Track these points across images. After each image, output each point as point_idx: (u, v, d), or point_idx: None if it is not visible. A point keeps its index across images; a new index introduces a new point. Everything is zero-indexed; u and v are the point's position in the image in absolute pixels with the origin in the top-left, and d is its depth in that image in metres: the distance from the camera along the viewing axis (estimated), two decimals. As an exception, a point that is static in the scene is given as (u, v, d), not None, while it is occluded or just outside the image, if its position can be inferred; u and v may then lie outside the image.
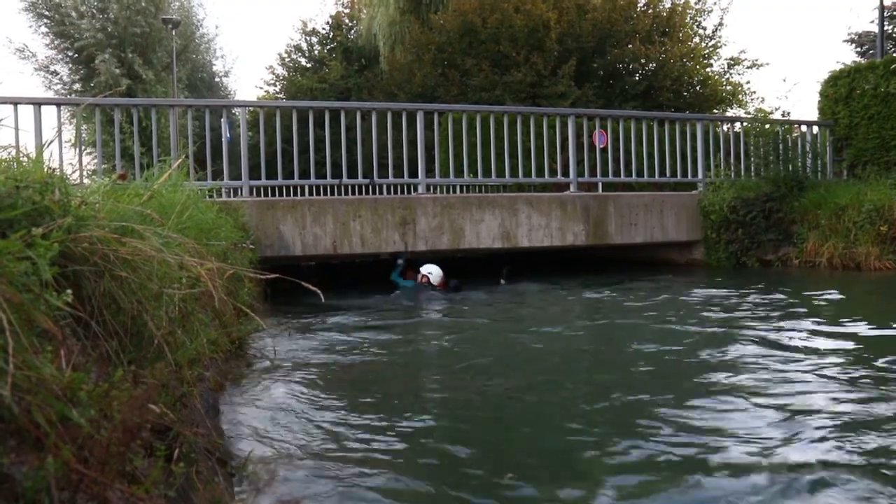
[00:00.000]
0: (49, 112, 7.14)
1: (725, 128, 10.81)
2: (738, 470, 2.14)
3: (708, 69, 18.03)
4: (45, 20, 21.84)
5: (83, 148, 15.68)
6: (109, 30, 21.48)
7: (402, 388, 3.47)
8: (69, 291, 1.33)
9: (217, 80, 28.18)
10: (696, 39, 18.08)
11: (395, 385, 3.54)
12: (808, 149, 10.27)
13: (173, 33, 21.63)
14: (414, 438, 2.59)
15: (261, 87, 26.74)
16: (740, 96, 18.28)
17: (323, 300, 2.38)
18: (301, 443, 2.51)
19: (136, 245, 1.74)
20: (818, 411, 2.72)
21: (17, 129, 6.57)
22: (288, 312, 5.97)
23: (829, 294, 6.26)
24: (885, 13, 17.62)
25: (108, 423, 1.20)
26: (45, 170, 1.90)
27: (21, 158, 2.18)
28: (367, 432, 2.63)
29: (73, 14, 21.16)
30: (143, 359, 1.84)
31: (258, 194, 8.36)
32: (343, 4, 26.04)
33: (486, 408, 3.07)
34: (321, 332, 5.25)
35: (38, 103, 7.06)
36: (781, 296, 6.22)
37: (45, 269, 1.24)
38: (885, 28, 18.60)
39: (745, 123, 10.72)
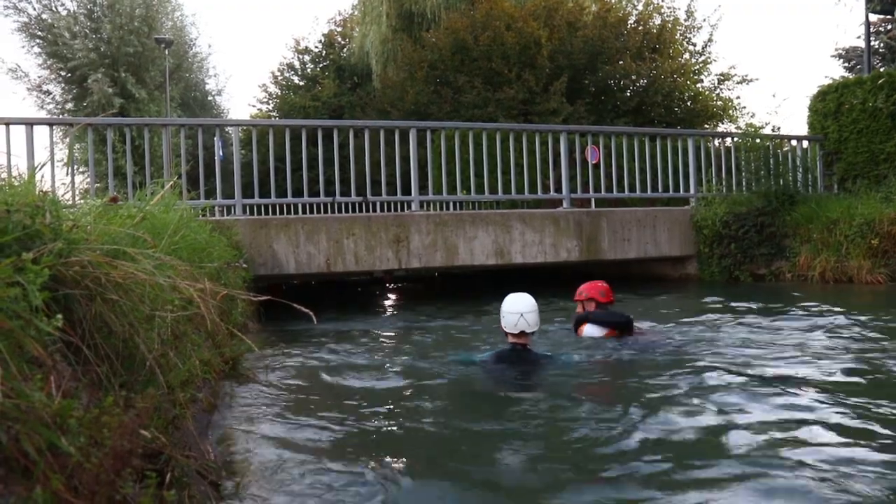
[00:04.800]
0: (41, 132, 7.13)
1: (717, 143, 10.88)
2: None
3: (698, 85, 18.17)
4: (38, 40, 21.88)
5: (76, 167, 15.63)
6: (102, 49, 21.52)
7: (399, 409, 3.44)
8: (60, 316, 1.32)
9: (210, 98, 28.24)
10: (687, 55, 18.23)
11: (393, 406, 3.51)
12: (798, 163, 10.34)
13: (166, 53, 21.71)
14: (409, 461, 2.56)
15: (254, 106, 26.71)
16: (731, 111, 18.42)
17: (315, 322, 2.37)
18: (295, 464, 2.49)
19: (127, 268, 1.73)
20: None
21: (8, 150, 6.56)
22: (283, 330, 5.94)
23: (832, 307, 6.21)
24: (870, 29, 17.83)
25: (98, 451, 1.18)
26: (37, 192, 1.89)
27: (13, 180, 2.17)
28: (364, 455, 2.60)
29: (66, 34, 21.21)
30: (135, 382, 1.82)
31: (251, 213, 8.36)
32: (335, 23, 26.20)
33: (488, 433, 3.05)
34: (316, 350, 5.22)
35: (30, 123, 7.04)
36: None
37: (36, 295, 1.23)
38: (872, 44, 18.81)
39: (736, 138, 10.80)
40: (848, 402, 3.12)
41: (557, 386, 3.76)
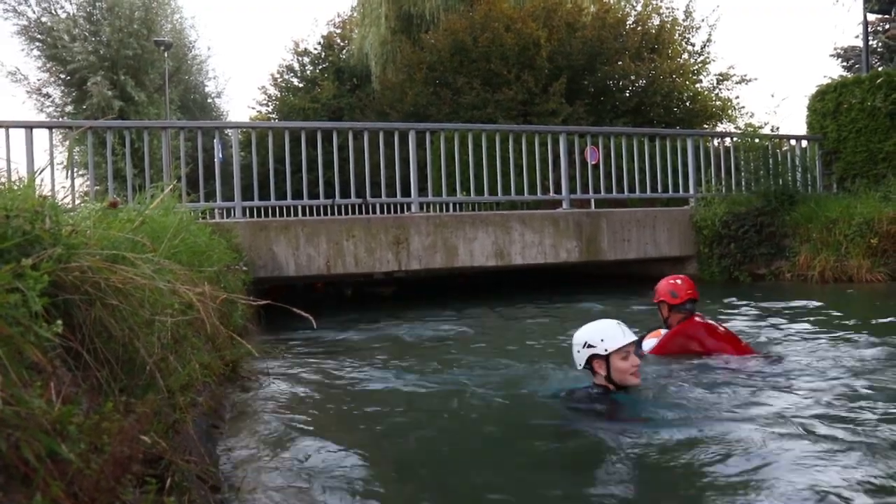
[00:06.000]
0: (41, 135, 7.14)
1: (716, 143, 10.88)
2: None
3: (697, 85, 18.17)
4: (38, 43, 21.87)
5: (75, 170, 15.64)
6: (102, 52, 21.52)
7: (400, 414, 3.44)
8: (59, 322, 1.32)
9: (209, 101, 28.22)
10: (685, 56, 18.24)
11: (393, 410, 3.51)
12: (797, 163, 10.34)
13: (165, 55, 21.68)
14: (409, 466, 2.56)
15: (253, 108, 26.71)
16: (730, 111, 18.42)
17: (315, 326, 2.37)
18: (295, 468, 2.49)
19: (127, 273, 1.73)
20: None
21: (8, 154, 6.57)
22: (283, 333, 5.93)
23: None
24: (868, 29, 17.85)
25: (98, 457, 1.18)
26: (37, 196, 1.89)
27: (13, 184, 2.17)
28: (363, 458, 2.60)
29: (66, 37, 21.20)
30: (135, 386, 1.82)
31: (251, 215, 8.35)
32: (335, 25, 26.19)
33: (488, 436, 3.05)
34: (317, 354, 5.22)
35: (29, 126, 7.04)
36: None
37: (35, 301, 1.23)
38: (870, 43, 18.82)
39: (735, 138, 10.79)
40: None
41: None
